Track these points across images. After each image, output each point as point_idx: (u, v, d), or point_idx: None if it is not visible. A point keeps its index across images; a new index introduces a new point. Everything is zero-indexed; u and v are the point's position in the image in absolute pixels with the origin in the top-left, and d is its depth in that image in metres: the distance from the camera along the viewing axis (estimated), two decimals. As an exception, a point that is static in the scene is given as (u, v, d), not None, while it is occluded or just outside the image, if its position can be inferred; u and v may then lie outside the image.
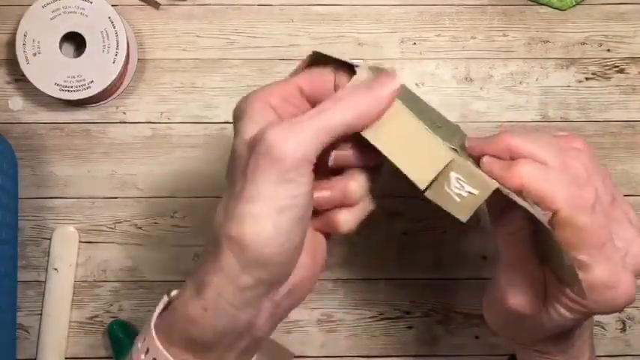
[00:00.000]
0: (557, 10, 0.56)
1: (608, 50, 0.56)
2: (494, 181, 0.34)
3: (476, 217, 0.55)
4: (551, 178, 0.34)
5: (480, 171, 0.34)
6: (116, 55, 0.52)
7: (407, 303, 0.55)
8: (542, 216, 0.34)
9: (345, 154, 0.34)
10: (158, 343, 0.33)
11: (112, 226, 0.55)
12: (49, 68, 0.52)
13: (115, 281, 0.55)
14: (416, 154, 0.34)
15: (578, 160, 0.35)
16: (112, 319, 0.54)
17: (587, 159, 0.36)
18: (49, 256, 0.54)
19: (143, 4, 0.56)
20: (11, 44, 0.54)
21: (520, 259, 0.37)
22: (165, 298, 0.36)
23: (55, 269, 0.54)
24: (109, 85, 0.52)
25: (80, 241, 0.55)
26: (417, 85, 0.56)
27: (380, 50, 0.56)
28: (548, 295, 0.36)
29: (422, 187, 0.34)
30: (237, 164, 0.32)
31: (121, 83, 0.55)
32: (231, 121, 0.34)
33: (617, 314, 0.55)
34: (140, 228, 0.55)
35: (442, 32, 0.56)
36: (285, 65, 0.55)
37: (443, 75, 0.56)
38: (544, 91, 0.56)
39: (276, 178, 0.30)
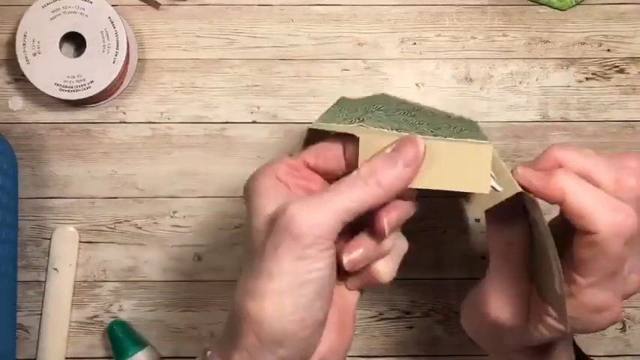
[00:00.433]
0: (557, 10, 0.56)
1: (608, 50, 0.56)
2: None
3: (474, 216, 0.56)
4: (597, 197, 0.32)
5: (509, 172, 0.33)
6: (116, 55, 0.52)
7: (407, 303, 0.55)
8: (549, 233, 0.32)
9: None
10: None
11: (112, 226, 0.55)
12: (49, 68, 0.52)
13: (115, 281, 0.55)
14: (458, 168, 0.33)
15: (635, 178, 0.33)
16: (112, 319, 0.54)
17: None
18: (49, 256, 0.54)
19: (143, 4, 0.56)
20: (11, 44, 0.54)
21: (510, 271, 0.36)
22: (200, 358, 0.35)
23: (55, 269, 0.54)
24: (109, 85, 0.52)
25: (80, 241, 0.55)
26: (417, 85, 0.56)
27: (380, 50, 0.56)
28: (531, 312, 0.35)
29: (487, 191, 0.33)
30: (255, 239, 0.32)
31: (121, 83, 0.55)
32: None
33: (617, 314, 0.55)
34: (140, 228, 0.55)
35: (442, 32, 0.56)
36: (285, 65, 0.55)
37: (443, 75, 0.56)
38: (544, 91, 0.56)
39: (295, 254, 0.30)
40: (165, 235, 0.55)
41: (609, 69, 0.56)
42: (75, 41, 0.54)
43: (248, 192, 0.34)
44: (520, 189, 0.32)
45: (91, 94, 0.52)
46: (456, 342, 0.55)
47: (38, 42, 0.52)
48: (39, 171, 0.55)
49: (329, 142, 0.34)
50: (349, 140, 0.34)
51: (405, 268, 0.56)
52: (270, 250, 0.31)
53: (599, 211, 0.31)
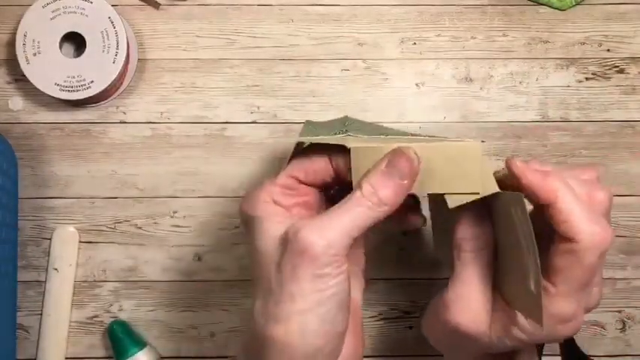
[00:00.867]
0: (557, 10, 0.56)
1: (608, 50, 0.56)
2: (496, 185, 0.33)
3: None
4: (582, 209, 0.33)
5: (491, 171, 0.34)
6: (116, 55, 0.52)
7: (407, 303, 0.55)
8: (530, 234, 0.32)
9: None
10: None
11: (112, 226, 0.55)
12: (49, 68, 0.52)
13: (115, 281, 0.55)
14: (450, 168, 0.33)
15: (603, 192, 0.34)
16: (112, 319, 0.54)
17: (610, 193, 0.35)
18: (49, 256, 0.54)
19: (143, 4, 0.56)
20: (11, 44, 0.54)
21: (475, 278, 0.36)
22: None
23: (55, 269, 0.54)
24: (109, 85, 0.52)
25: (80, 241, 0.55)
26: (417, 85, 0.56)
27: (380, 50, 0.56)
28: (496, 320, 0.36)
29: (479, 190, 0.34)
30: (266, 262, 0.33)
31: (121, 83, 0.55)
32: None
33: (616, 314, 0.55)
34: (140, 228, 0.55)
35: (442, 32, 0.56)
36: (285, 65, 0.55)
37: (443, 75, 0.56)
38: (544, 91, 0.56)
39: (314, 274, 0.31)
40: (165, 235, 0.55)
41: (609, 69, 0.56)
42: (75, 41, 0.54)
43: (247, 218, 0.35)
44: (498, 189, 0.33)
45: (91, 94, 0.52)
46: (456, 342, 0.55)
47: (38, 42, 0.52)
48: (39, 171, 0.55)
49: (313, 155, 0.36)
50: (334, 150, 0.35)
51: (405, 268, 0.56)
52: (288, 273, 0.32)
53: (582, 220, 0.32)
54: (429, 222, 0.41)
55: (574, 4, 0.56)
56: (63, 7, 0.52)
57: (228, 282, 0.55)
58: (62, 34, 0.52)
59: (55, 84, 0.52)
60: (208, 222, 0.55)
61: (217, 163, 0.55)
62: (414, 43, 0.56)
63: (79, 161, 0.55)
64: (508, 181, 0.35)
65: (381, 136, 0.36)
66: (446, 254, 0.40)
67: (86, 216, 0.55)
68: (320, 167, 0.36)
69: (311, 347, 0.32)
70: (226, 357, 0.38)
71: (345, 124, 0.40)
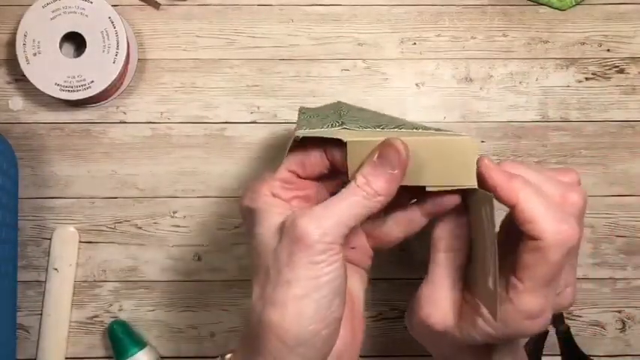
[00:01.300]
0: (557, 10, 0.56)
1: (608, 50, 0.56)
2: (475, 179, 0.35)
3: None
4: (547, 208, 0.34)
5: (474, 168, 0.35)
6: (116, 55, 0.52)
7: (407, 303, 0.55)
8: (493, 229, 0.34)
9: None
10: None
11: (112, 226, 0.55)
12: (49, 68, 0.52)
13: (115, 281, 0.55)
14: (442, 162, 0.35)
15: (577, 194, 0.36)
16: (112, 319, 0.54)
17: (584, 195, 0.36)
18: (49, 256, 0.54)
19: (143, 4, 0.56)
20: (11, 44, 0.54)
21: (446, 278, 0.38)
22: None
23: (55, 269, 0.54)
24: (109, 85, 0.52)
25: (80, 241, 0.55)
26: (417, 85, 0.56)
27: (380, 50, 0.56)
28: (464, 315, 0.37)
29: (472, 184, 0.35)
30: (265, 251, 0.34)
31: (121, 83, 0.55)
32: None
33: (616, 314, 0.55)
34: (140, 228, 0.55)
35: (442, 32, 0.56)
36: (285, 65, 0.55)
37: (443, 75, 0.56)
38: (544, 91, 0.56)
39: (310, 261, 0.32)
40: (165, 235, 0.55)
41: (609, 69, 0.56)
42: (75, 41, 0.54)
43: (248, 211, 0.36)
44: (476, 185, 0.34)
45: (91, 94, 0.52)
46: (456, 342, 0.55)
47: (38, 42, 0.52)
48: (39, 171, 0.55)
49: (310, 148, 0.37)
50: (329, 142, 0.36)
51: (405, 269, 0.56)
52: (285, 260, 0.33)
53: (546, 219, 0.33)
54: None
55: (574, 4, 0.56)
56: (63, 7, 0.52)
57: (228, 282, 0.55)
58: (62, 34, 0.52)
59: (55, 84, 0.52)
60: (208, 222, 0.55)
61: (217, 163, 0.55)
62: (414, 43, 0.56)
63: (79, 161, 0.55)
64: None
65: (377, 129, 0.37)
66: None
67: (86, 216, 0.55)
68: (316, 160, 0.37)
69: (307, 332, 0.33)
70: (226, 353, 0.38)
71: (340, 114, 0.40)
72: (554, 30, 0.56)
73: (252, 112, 0.55)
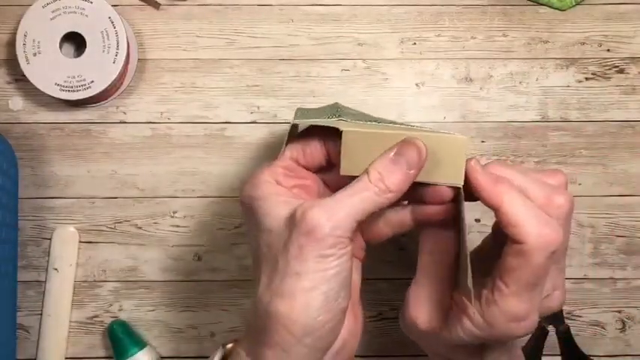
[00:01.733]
0: (557, 10, 0.56)
1: (608, 50, 0.56)
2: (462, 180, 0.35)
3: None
4: (531, 212, 0.34)
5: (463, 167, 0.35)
6: (116, 55, 0.52)
7: (407, 303, 0.55)
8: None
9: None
10: None
11: (112, 226, 0.55)
12: (49, 68, 0.52)
13: (115, 281, 0.55)
14: (438, 160, 0.35)
15: (563, 197, 0.36)
16: (112, 319, 0.54)
17: (570, 198, 0.36)
18: (49, 256, 0.54)
19: (143, 4, 0.56)
20: (11, 44, 0.54)
21: (433, 280, 0.38)
22: (221, 351, 0.38)
23: (55, 269, 0.54)
24: (109, 85, 0.52)
25: (80, 241, 0.55)
26: (417, 85, 0.56)
27: (380, 50, 0.56)
28: (451, 318, 0.37)
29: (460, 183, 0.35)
30: (273, 242, 0.34)
31: (121, 83, 0.55)
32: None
33: (616, 314, 0.55)
34: (140, 228, 0.55)
35: (442, 32, 0.56)
36: (285, 65, 0.55)
37: (443, 75, 0.56)
38: (544, 91, 0.56)
39: (320, 254, 0.33)
40: (165, 235, 0.55)
41: (609, 69, 0.56)
42: (75, 41, 0.54)
43: (250, 200, 0.36)
44: (462, 184, 0.35)
45: (91, 94, 0.52)
46: (456, 342, 0.55)
47: (38, 42, 0.52)
48: (39, 171, 0.55)
49: (308, 138, 0.37)
50: (327, 134, 0.36)
51: (405, 269, 0.56)
52: (295, 252, 0.33)
53: (529, 223, 0.33)
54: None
55: (574, 4, 0.56)
56: (63, 7, 0.52)
57: (228, 282, 0.55)
58: (62, 34, 0.52)
59: (55, 84, 0.52)
60: (208, 222, 0.55)
61: (217, 163, 0.55)
62: (414, 43, 0.56)
63: (79, 161, 0.55)
64: None
65: (372, 122, 0.37)
66: None
67: (86, 216, 0.55)
68: (316, 149, 0.37)
69: (315, 322, 0.33)
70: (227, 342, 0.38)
71: (337, 110, 0.40)
72: (554, 30, 0.56)
73: (252, 112, 0.55)
